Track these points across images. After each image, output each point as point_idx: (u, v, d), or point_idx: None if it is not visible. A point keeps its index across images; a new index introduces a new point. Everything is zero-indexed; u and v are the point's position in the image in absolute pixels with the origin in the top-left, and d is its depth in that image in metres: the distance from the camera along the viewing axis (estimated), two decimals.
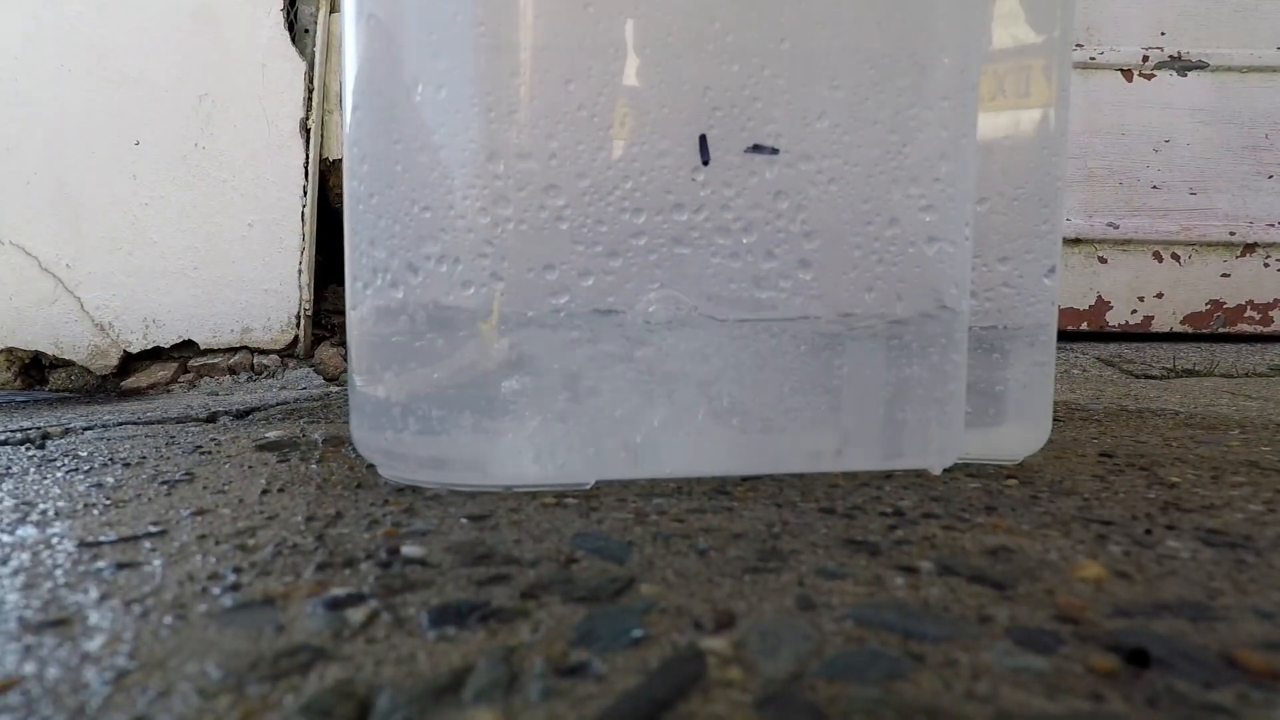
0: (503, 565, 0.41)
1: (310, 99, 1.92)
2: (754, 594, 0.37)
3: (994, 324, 0.63)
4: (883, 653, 0.31)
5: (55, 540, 0.46)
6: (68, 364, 1.92)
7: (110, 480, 0.62)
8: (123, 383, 1.88)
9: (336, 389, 1.60)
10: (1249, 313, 2.10)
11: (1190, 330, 2.11)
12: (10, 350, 1.90)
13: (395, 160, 0.54)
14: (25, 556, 0.44)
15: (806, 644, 0.32)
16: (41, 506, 0.54)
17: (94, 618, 0.35)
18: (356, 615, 0.35)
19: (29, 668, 0.30)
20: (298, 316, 1.91)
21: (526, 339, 0.53)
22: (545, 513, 0.51)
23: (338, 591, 0.38)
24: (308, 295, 1.91)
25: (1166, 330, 2.11)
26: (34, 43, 1.86)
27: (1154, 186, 2.11)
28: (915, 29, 0.55)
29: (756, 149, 0.54)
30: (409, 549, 0.44)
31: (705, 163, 0.54)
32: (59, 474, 0.65)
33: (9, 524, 0.50)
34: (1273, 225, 2.09)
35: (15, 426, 0.97)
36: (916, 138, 0.56)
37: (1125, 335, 2.12)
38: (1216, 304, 2.10)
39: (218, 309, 1.90)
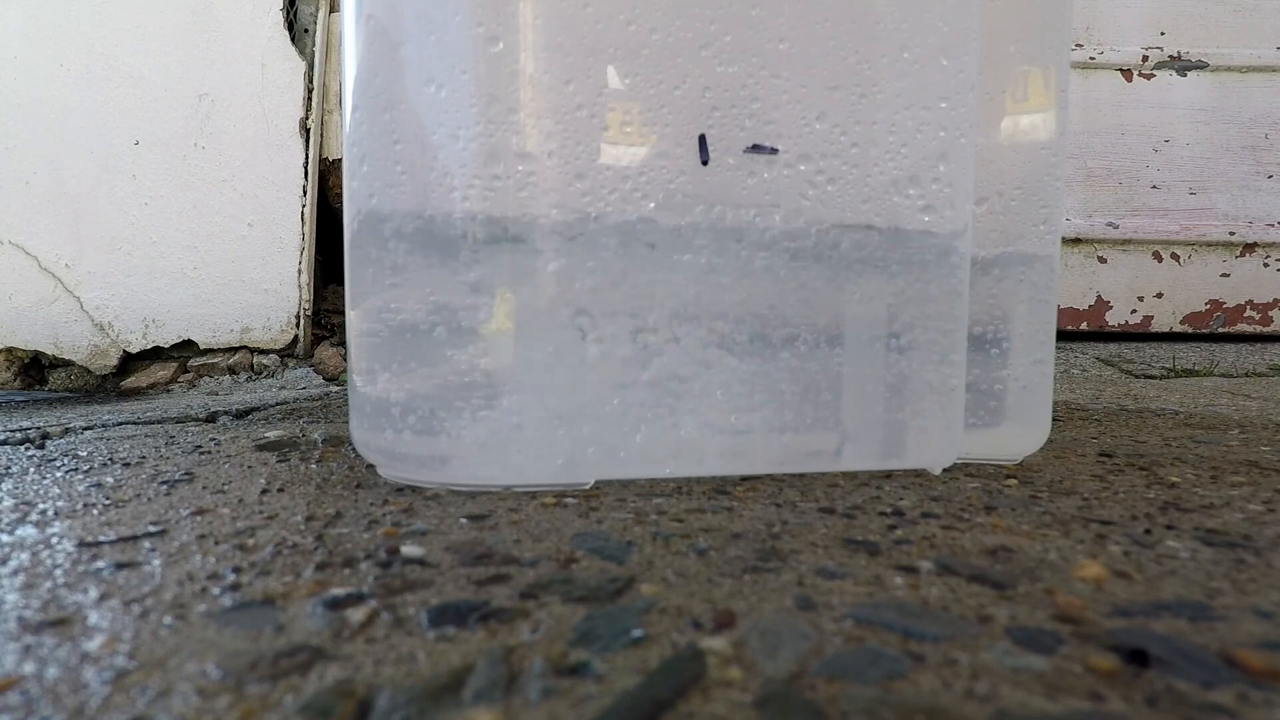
0: (502, 565, 0.41)
1: (310, 99, 1.92)
2: (754, 594, 0.37)
3: (993, 322, 0.63)
4: (882, 652, 0.31)
5: (55, 540, 0.46)
6: (67, 364, 1.92)
7: (110, 480, 0.62)
8: (122, 382, 1.88)
9: (336, 389, 1.60)
10: (1248, 312, 2.10)
11: (1190, 330, 2.11)
12: (10, 350, 1.90)
13: (395, 160, 0.54)
14: (25, 556, 0.44)
15: (806, 644, 0.32)
16: (41, 506, 0.54)
17: (93, 618, 0.35)
18: (356, 615, 0.35)
19: (28, 667, 0.30)
20: (297, 316, 1.91)
21: (527, 339, 0.53)
22: (545, 513, 0.51)
23: (337, 591, 0.38)
24: (307, 295, 1.91)
25: (1166, 330, 2.11)
26: (34, 43, 1.86)
27: (1153, 186, 2.11)
28: (913, 30, 0.55)
29: (756, 149, 0.54)
30: (409, 549, 0.44)
31: (705, 162, 0.54)
32: (58, 474, 0.65)
33: (9, 524, 0.50)
34: (1272, 225, 2.09)
35: (15, 426, 0.97)
36: (915, 138, 0.56)
37: (1125, 335, 2.12)
38: (1216, 304, 2.10)
39: (217, 309, 1.90)
